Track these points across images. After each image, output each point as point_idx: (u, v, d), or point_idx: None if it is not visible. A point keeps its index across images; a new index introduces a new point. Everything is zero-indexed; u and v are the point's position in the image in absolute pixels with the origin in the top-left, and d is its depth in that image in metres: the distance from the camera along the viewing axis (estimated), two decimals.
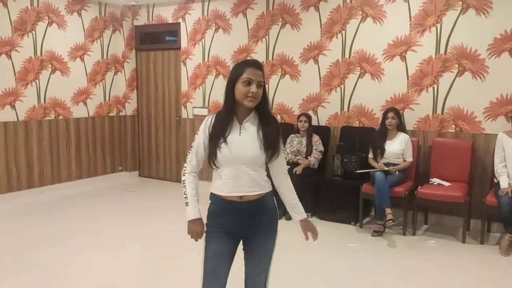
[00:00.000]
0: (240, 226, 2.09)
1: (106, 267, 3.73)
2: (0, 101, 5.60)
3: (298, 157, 5.25)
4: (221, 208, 2.09)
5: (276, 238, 2.18)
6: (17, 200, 5.69)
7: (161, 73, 7.04)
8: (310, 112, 5.57)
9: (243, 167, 2.04)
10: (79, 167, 6.60)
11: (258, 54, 5.95)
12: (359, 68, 5.29)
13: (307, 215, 2.35)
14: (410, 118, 5.04)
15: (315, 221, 5.00)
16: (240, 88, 2.01)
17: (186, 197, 2.09)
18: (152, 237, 4.50)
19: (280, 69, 5.83)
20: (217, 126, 2.05)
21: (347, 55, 5.35)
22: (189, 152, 2.13)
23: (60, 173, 6.35)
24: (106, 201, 5.93)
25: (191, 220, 2.09)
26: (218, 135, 2.03)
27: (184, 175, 2.12)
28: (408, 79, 5.02)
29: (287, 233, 4.54)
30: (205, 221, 2.12)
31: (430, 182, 4.67)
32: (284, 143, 5.40)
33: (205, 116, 6.25)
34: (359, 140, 5.08)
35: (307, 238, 2.31)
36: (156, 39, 7.11)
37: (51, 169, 6.24)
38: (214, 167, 2.07)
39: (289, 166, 5.18)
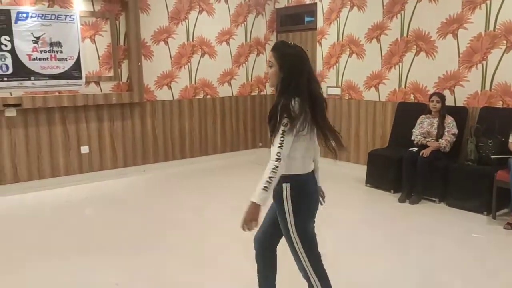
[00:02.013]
0: None
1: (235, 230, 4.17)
2: (159, 82, 6.53)
3: (427, 139, 4.97)
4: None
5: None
6: (173, 169, 6.61)
7: None
8: (446, 92, 5.18)
9: None
10: (223, 142, 7.31)
11: (392, 30, 5.71)
12: (505, 41, 4.70)
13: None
14: None
15: (442, 207, 4.73)
16: None
17: (270, 183, 2.04)
18: None
19: (415, 46, 5.51)
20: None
21: (491, 28, 4.80)
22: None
23: (207, 146, 7.14)
24: (245, 173, 6.48)
25: (259, 205, 2.06)
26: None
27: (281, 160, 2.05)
28: None
29: (415, 217, 4.42)
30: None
31: None
32: (415, 123, 5.16)
33: (339, 95, 6.42)
34: (499, 122, 4.57)
35: None
36: (295, 21, 7.33)
37: (200, 143, 7.05)
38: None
39: (416, 148, 4.97)
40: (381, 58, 5.89)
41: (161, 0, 6.39)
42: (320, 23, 6.69)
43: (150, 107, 6.49)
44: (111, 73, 6.08)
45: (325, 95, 6.71)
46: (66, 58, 5.54)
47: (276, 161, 2.03)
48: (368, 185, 5.51)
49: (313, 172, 2.26)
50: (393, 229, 4.21)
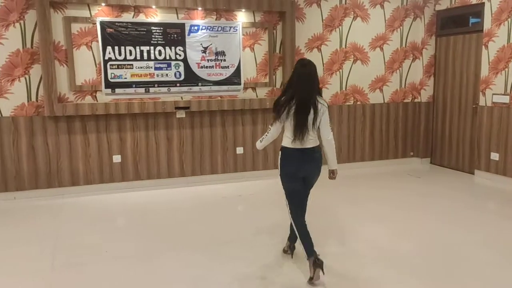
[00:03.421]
0: None
1: (381, 238, 4.10)
2: None
3: None
4: None
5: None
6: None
7: (460, 58, 6.73)
8: None
9: None
10: (371, 149, 7.16)
11: None
12: None
13: None
14: None
15: None
16: None
17: (262, 141, 3.53)
18: (419, 218, 4.58)
19: None
20: None
21: None
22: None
23: (355, 153, 7.07)
24: (391, 182, 6.26)
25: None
26: None
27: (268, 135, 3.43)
28: None
29: None
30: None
31: None
32: None
33: (507, 103, 5.77)
34: None
35: None
36: (457, 23, 6.82)
37: (347, 149, 7.02)
38: None
39: None
40: None
41: (316, 9, 6.55)
42: (487, 24, 6.11)
43: None
44: (267, 80, 6.44)
45: (489, 103, 6.11)
46: (228, 66, 6.05)
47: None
48: None
49: (300, 149, 3.22)
50: None
